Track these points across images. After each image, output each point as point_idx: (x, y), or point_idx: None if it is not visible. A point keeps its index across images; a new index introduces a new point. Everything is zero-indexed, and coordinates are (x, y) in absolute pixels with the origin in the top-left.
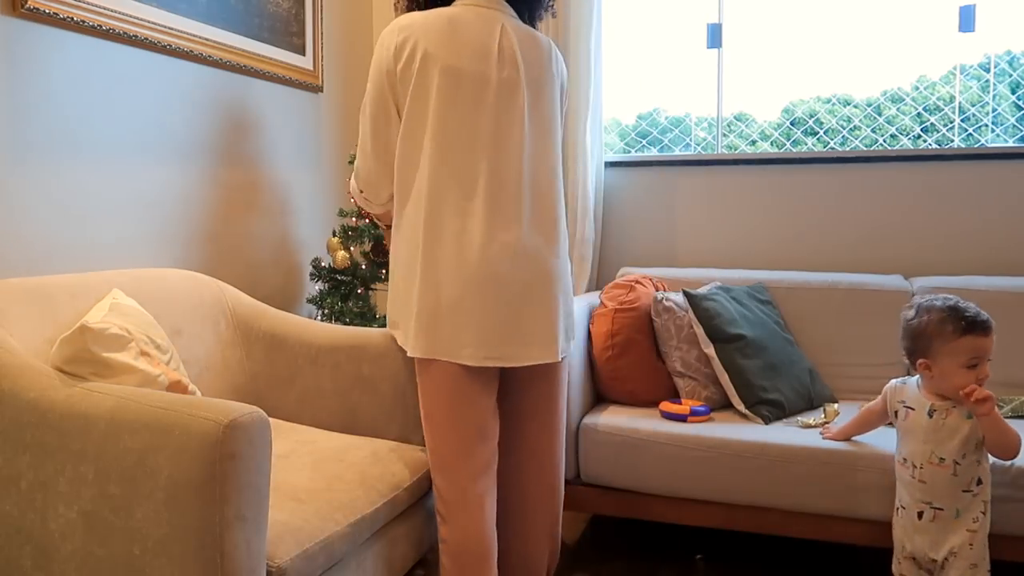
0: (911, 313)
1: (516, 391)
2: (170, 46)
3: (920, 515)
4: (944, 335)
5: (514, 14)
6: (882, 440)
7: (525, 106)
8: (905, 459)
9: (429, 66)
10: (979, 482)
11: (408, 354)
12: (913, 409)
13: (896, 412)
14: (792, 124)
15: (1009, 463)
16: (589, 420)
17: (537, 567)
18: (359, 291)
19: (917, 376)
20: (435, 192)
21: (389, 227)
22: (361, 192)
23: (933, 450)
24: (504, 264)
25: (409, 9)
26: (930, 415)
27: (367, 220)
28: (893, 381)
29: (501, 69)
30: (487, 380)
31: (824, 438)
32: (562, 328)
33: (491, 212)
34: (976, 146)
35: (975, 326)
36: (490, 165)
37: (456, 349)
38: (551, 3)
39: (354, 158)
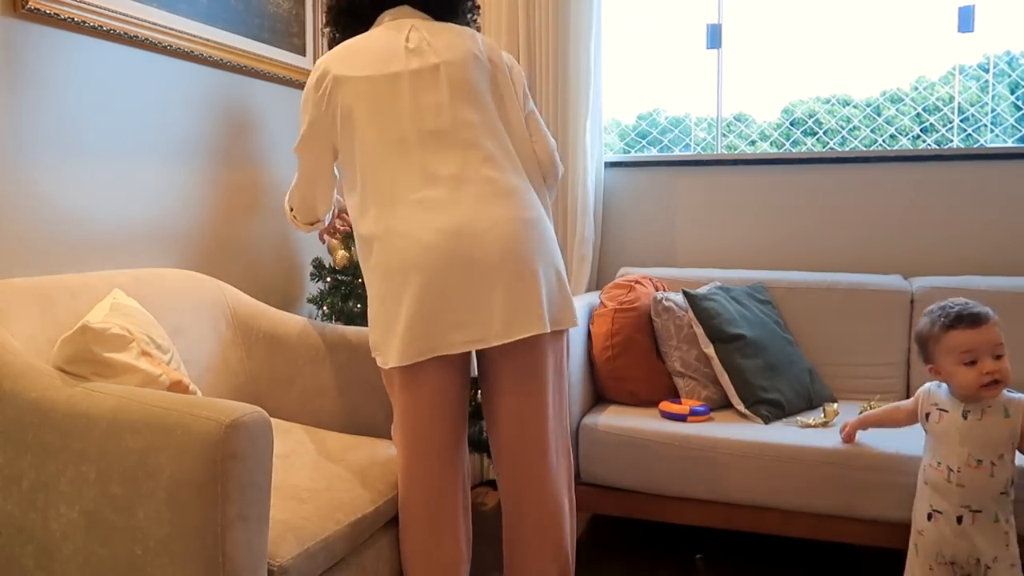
0: (920, 320)
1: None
2: (171, 46)
3: (959, 519)
4: (934, 335)
5: (427, 18)
6: (882, 440)
7: (449, 86)
8: (939, 463)
9: (341, 87)
10: (1012, 482)
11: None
12: (946, 411)
13: (928, 415)
14: (791, 124)
15: None
16: (589, 420)
17: None
18: (359, 291)
19: None
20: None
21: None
22: None
23: (970, 452)
24: (434, 254)
25: (333, 42)
26: (965, 416)
27: None
28: (928, 385)
29: (410, 62)
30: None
31: (842, 434)
32: (515, 304)
33: (456, 193)
34: (975, 146)
35: (959, 320)
36: (422, 158)
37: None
38: (472, 6)
39: None
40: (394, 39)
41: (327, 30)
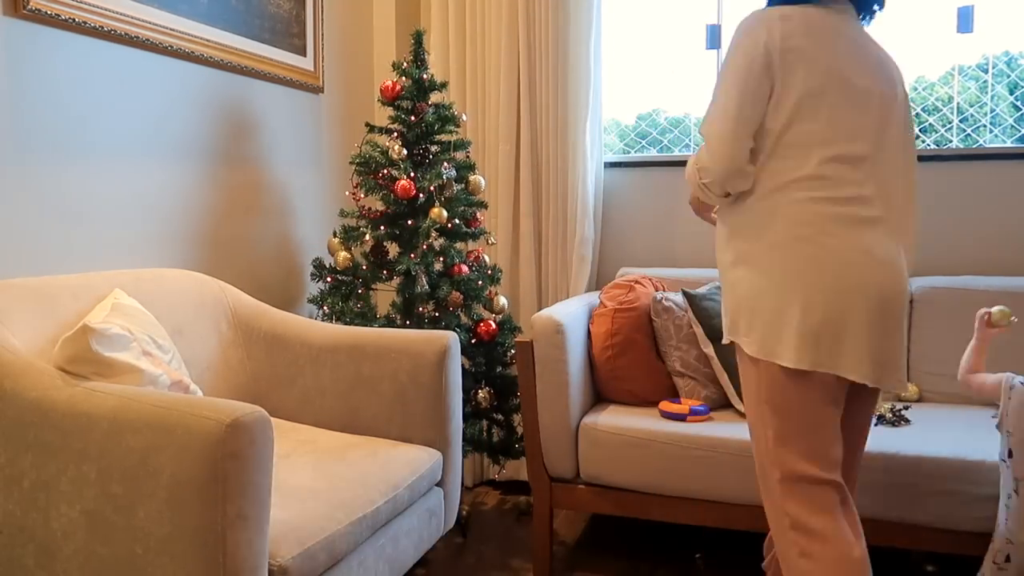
0: None
1: (855, 407)
2: (171, 47)
3: None
4: None
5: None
6: (880, 440)
7: (901, 124)
8: None
9: (809, 63)
10: None
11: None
12: None
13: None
14: None
15: None
16: (589, 420)
17: None
18: (360, 291)
19: None
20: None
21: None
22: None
23: None
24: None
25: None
26: None
27: (367, 220)
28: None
29: (878, 81)
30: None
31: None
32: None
33: (885, 223)
34: (974, 147)
35: None
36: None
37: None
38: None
39: (355, 159)
40: (861, 40)
41: None
